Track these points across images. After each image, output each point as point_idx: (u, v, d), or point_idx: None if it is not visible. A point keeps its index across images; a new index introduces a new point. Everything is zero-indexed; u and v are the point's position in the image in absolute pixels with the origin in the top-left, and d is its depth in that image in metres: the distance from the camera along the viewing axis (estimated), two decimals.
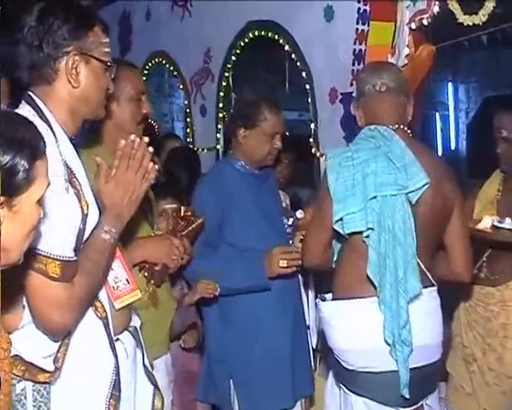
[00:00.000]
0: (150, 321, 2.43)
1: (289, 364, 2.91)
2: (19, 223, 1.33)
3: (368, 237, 2.24)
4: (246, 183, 2.96)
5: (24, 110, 1.72)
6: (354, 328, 2.31)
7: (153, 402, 2.05)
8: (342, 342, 2.34)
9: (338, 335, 2.36)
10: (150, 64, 6.05)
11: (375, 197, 2.21)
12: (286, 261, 2.83)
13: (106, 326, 1.81)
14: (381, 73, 2.45)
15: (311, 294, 3.25)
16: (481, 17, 3.03)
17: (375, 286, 2.24)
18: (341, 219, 2.25)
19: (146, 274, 2.42)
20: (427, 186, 2.28)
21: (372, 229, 2.21)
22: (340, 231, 2.28)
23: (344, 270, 2.37)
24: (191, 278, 2.93)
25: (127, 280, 1.89)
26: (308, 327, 3.15)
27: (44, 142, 1.37)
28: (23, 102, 1.77)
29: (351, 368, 2.32)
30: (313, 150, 3.99)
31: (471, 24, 3.04)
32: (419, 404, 2.35)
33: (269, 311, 2.89)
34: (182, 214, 2.60)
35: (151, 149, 1.81)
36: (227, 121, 4.35)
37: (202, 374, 3.08)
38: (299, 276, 3.08)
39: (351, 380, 2.34)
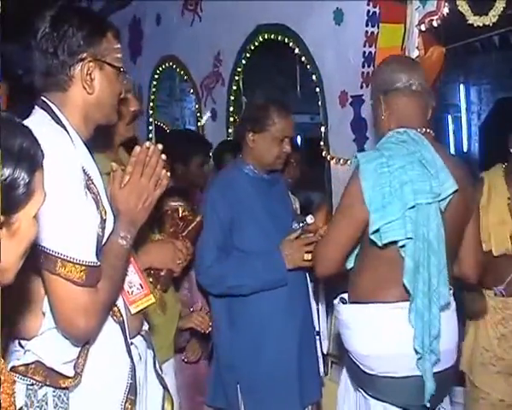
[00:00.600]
0: (157, 325, 2.45)
1: (296, 370, 2.90)
2: (17, 241, 1.21)
3: (403, 246, 2.19)
4: (255, 187, 2.95)
5: (38, 115, 1.73)
6: (376, 333, 2.28)
7: (163, 405, 2.06)
8: (363, 347, 2.31)
9: (358, 339, 2.33)
10: (161, 69, 6.09)
11: (414, 206, 2.16)
12: (310, 254, 2.75)
13: (123, 330, 1.83)
14: (415, 70, 2.38)
15: (322, 299, 3.22)
16: (491, 18, 3.01)
17: (398, 293, 2.23)
18: (378, 228, 2.19)
19: (151, 280, 2.42)
20: (455, 193, 2.25)
21: (411, 238, 2.16)
22: (377, 241, 2.21)
23: (367, 275, 2.34)
24: (208, 282, 2.93)
25: (141, 285, 1.92)
26: (318, 333, 3.13)
27: (42, 150, 1.26)
28: (36, 107, 1.77)
29: (371, 373, 2.29)
30: (324, 153, 3.98)
31: (481, 25, 3.03)
32: (437, 408, 2.35)
33: (277, 317, 2.89)
34: (180, 215, 2.60)
35: (164, 156, 1.83)
36: (237, 125, 4.35)
37: (211, 379, 3.09)
38: (308, 281, 3.06)
39: (370, 384, 2.32)
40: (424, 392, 2.22)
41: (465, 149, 12.24)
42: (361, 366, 2.33)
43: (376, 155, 2.24)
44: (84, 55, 1.74)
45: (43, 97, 1.77)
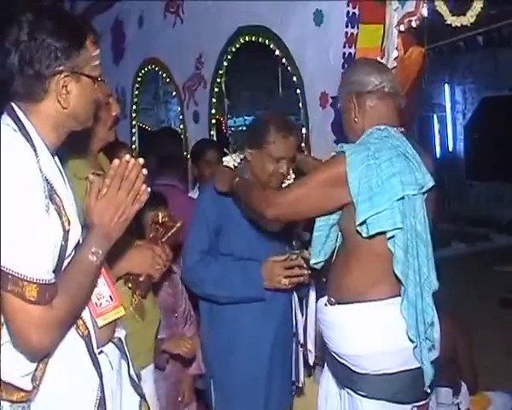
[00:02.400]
0: (136, 332, 2.42)
1: (266, 375, 2.89)
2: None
3: (392, 237, 2.21)
4: None
5: (4, 123, 1.67)
6: (367, 331, 2.29)
7: None
8: (354, 347, 2.31)
9: (349, 340, 2.33)
10: (143, 71, 6.09)
11: (402, 198, 2.19)
12: (288, 280, 2.78)
13: (88, 344, 1.78)
14: (386, 73, 2.42)
15: (311, 311, 3.15)
16: (469, 18, 3.01)
17: (387, 289, 2.26)
18: (365, 220, 2.20)
19: (130, 286, 2.41)
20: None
21: (401, 228, 2.19)
22: (363, 232, 2.23)
23: (354, 274, 2.33)
24: (191, 282, 2.94)
25: (110, 297, 1.86)
26: (301, 345, 3.05)
27: None
28: (4, 113, 1.72)
29: (363, 372, 2.30)
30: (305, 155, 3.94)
31: (459, 25, 3.03)
32: (428, 399, 2.37)
33: (251, 320, 2.87)
34: (160, 221, 2.58)
35: (145, 171, 1.77)
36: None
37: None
38: (295, 295, 3.02)
39: (362, 384, 2.31)
40: (418, 384, 2.26)
41: (450, 149, 12.31)
42: (352, 367, 2.33)
43: (363, 148, 2.25)
44: (62, 68, 1.68)
45: (12, 104, 1.71)
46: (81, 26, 1.77)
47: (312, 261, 2.50)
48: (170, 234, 2.57)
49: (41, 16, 1.68)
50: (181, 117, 5.60)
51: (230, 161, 2.90)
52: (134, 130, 6.35)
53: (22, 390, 1.65)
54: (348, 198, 2.24)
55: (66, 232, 1.67)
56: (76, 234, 1.73)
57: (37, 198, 1.58)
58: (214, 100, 5.04)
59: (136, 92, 6.27)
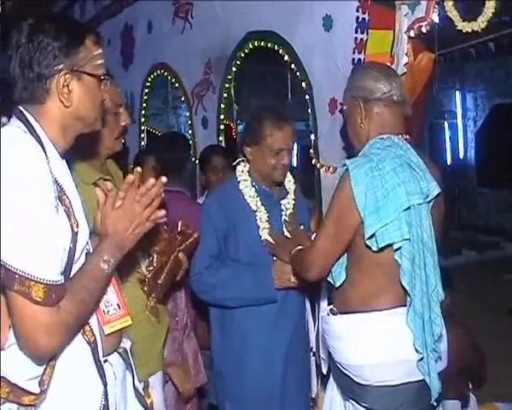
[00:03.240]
0: (147, 338, 2.43)
1: (280, 388, 2.85)
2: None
3: (399, 248, 2.18)
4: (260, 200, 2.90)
5: (14, 126, 1.68)
6: (371, 342, 2.26)
7: None
8: (357, 357, 2.28)
9: (352, 350, 2.30)
10: (152, 76, 6.09)
11: (409, 208, 2.16)
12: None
13: (94, 351, 1.77)
14: (395, 80, 2.38)
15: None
16: (480, 24, 2.98)
17: (392, 298, 2.24)
18: (374, 233, 2.17)
19: (146, 289, 2.44)
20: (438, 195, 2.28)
21: (409, 239, 2.16)
22: (373, 245, 2.20)
23: (360, 284, 2.31)
24: (200, 288, 2.90)
25: (118, 305, 1.86)
26: (314, 353, 3.02)
27: None
28: (13, 116, 1.73)
29: (365, 383, 2.27)
30: (313, 161, 3.93)
31: (470, 31, 3.00)
32: None
33: (263, 332, 2.84)
34: (179, 229, 2.60)
35: (163, 194, 1.84)
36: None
37: (211, 379, 3.12)
38: (306, 301, 3.00)
39: (365, 395, 2.28)
40: (423, 397, 2.23)
41: (461, 156, 12.26)
42: (354, 378, 2.30)
43: (365, 160, 2.22)
44: (61, 66, 1.69)
45: (20, 107, 1.73)
46: (80, 26, 1.79)
47: (337, 285, 2.43)
48: (188, 243, 2.60)
49: (41, 20, 1.71)
50: (190, 122, 5.59)
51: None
52: (143, 135, 6.35)
53: (31, 393, 1.63)
54: (358, 216, 2.19)
55: (74, 234, 1.68)
56: (84, 238, 1.74)
57: (47, 198, 1.58)
58: (223, 105, 5.03)
59: (146, 97, 6.28)
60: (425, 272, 2.20)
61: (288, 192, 3.00)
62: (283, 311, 2.86)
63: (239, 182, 2.92)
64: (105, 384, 1.79)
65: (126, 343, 2.02)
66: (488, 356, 3.65)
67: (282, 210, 2.95)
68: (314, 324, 2.99)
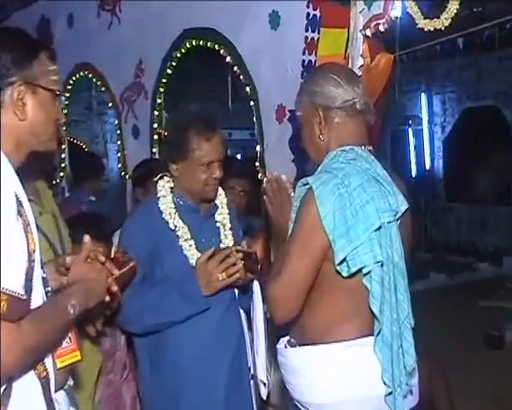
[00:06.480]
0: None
1: None
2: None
3: (369, 272, 2.18)
4: (184, 218, 2.92)
5: None
6: (332, 377, 2.26)
7: None
8: (317, 395, 2.29)
9: (313, 386, 2.29)
10: (75, 78, 6.04)
11: (380, 227, 2.17)
12: (224, 273, 2.76)
13: (44, 387, 1.82)
14: (358, 86, 2.36)
15: (260, 332, 3.13)
16: (444, 21, 3.07)
17: (358, 327, 2.25)
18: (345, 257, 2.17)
19: None
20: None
21: (379, 262, 2.16)
22: (344, 271, 2.18)
23: (321, 312, 2.30)
24: (128, 320, 2.88)
25: (70, 338, 1.94)
26: (252, 377, 3.04)
27: None
28: None
29: None
30: (260, 176, 3.96)
31: (432, 29, 3.09)
32: None
33: (200, 360, 2.84)
34: (112, 256, 2.59)
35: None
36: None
37: None
38: (243, 322, 3.03)
39: None
40: None
41: (428, 167, 12.44)
42: None
43: (330, 177, 2.21)
44: (14, 78, 1.81)
45: None
46: (34, 41, 1.95)
47: None
48: (121, 272, 2.59)
49: None
50: (118, 132, 5.58)
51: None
52: (64, 146, 6.27)
53: None
54: (326, 238, 2.18)
55: (32, 252, 1.73)
56: (38, 259, 1.79)
57: (11, 208, 1.66)
58: (157, 113, 5.04)
59: (66, 102, 6.20)
60: (395, 297, 2.21)
61: (217, 207, 3.02)
62: (221, 333, 2.87)
63: (158, 198, 2.93)
64: None
65: (70, 380, 2.05)
66: (462, 391, 3.73)
67: (218, 227, 2.99)
68: (251, 340, 3.02)
